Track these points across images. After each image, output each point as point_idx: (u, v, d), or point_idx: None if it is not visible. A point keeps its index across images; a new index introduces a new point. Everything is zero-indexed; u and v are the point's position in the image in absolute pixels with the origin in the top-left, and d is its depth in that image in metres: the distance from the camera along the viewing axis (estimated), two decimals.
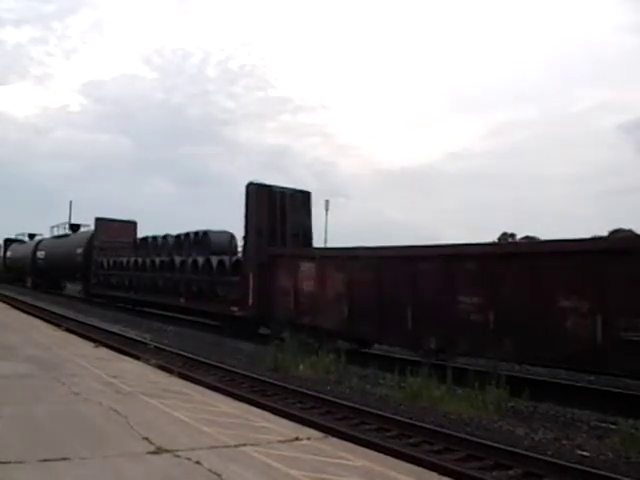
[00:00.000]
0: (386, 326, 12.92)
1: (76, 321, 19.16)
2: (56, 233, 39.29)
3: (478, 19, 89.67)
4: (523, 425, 8.25)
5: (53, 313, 21.48)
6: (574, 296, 9.56)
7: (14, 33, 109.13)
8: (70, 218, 42.81)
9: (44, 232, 42.54)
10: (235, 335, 17.09)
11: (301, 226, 18.22)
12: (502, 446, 6.84)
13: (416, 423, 7.91)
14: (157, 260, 23.68)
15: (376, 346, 14.75)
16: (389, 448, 6.48)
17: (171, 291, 21.92)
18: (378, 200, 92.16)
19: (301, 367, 11.88)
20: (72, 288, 35.80)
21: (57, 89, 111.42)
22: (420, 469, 5.53)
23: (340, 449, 5.65)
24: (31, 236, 45.11)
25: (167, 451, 4.99)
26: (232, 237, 21.72)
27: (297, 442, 5.73)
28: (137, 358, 11.47)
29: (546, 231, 59.93)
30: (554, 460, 6.46)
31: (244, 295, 17.11)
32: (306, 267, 15.61)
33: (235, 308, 17.55)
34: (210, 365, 12.21)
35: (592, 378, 11.41)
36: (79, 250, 31.97)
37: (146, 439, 5.30)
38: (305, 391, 9.81)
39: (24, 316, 19.52)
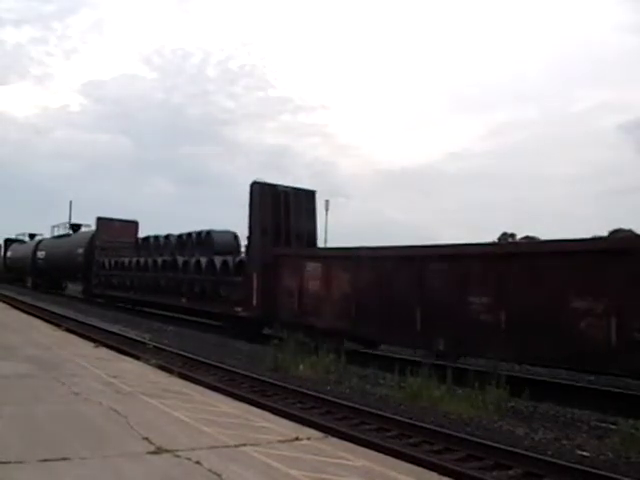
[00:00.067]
0: (394, 327, 12.78)
1: (76, 321, 19.16)
2: (57, 233, 39.31)
3: (478, 19, 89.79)
4: (523, 425, 8.25)
5: (53, 313, 21.48)
6: (588, 297, 9.42)
7: (14, 33, 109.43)
8: (70, 218, 42.87)
9: (44, 232, 42.68)
10: (237, 336, 17.05)
11: (305, 226, 18.00)
12: (502, 446, 6.84)
13: (416, 423, 7.91)
14: (159, 260, 23.67)
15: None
16: (389, 448, 6.47)
17: (173, 291, 21.88)
18: (378, 200, 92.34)
19: (301, 367, 11.87)
20: (73, 288, 35.77)
21: (57, 89, 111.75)
22: (420, 469, 5.52)
23: (340, 449, 5.65)
24: (31, 236, 45.11)
25: (167, 451, 4.99)
26: (235, 237, 21.70)
27: (297, 442, 5.72)
28: (137, 358, 11.47)
29: (546, 231, 60.08)
30: (554, 460, 6.46)
31: (248, 295, 17.02)
32: (312, 267, 15.49)
33: (239, 308, 17.47)
34: (210, 365, 12.20)
35: (592, 378, 11.40)
36: (80, 250, 31.94)
37: (146, 439, 5.30)
38: (305, 391, 9.81)
39: (24, 316, 19.52)
